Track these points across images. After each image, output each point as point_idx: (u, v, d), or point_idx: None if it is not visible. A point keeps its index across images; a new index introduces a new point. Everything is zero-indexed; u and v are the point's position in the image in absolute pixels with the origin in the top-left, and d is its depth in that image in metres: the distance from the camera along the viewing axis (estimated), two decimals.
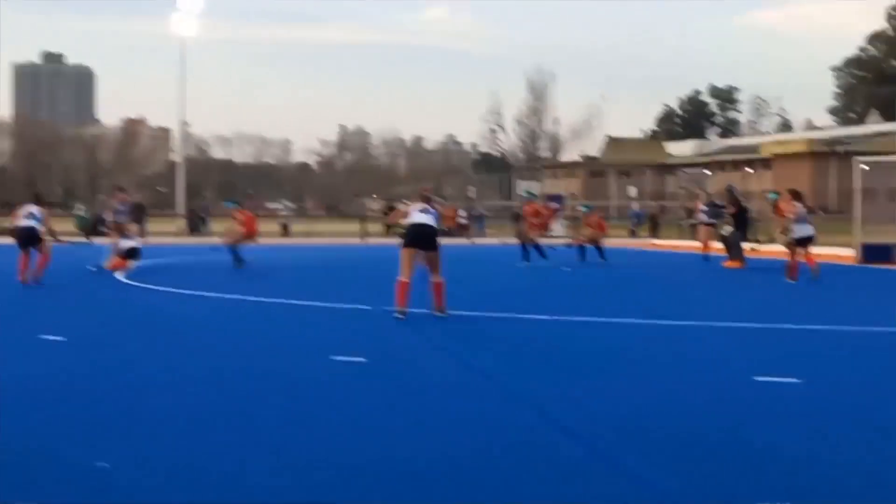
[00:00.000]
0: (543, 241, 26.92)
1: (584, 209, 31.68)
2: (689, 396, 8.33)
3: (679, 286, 20.94)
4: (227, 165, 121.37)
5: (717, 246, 27.96)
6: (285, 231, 51.48)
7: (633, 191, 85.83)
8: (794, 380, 8.89)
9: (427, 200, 14.26)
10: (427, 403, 7.98)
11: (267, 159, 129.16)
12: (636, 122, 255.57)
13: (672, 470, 5.95)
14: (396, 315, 13.42)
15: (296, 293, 17.25)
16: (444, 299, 13.78)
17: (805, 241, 20.58)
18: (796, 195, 21.45)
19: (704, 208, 29.03)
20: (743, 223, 27.21)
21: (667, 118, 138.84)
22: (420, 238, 13.88)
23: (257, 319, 14.14)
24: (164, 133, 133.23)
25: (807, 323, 13.55)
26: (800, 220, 20.61)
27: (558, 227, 51.54)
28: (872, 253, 28.20)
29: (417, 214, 14.01)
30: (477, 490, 5.55)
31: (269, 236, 47.07)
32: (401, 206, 16.62)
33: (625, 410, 7.67)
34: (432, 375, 9.30)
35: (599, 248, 27.16)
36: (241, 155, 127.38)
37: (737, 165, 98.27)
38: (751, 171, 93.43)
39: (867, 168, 31.12)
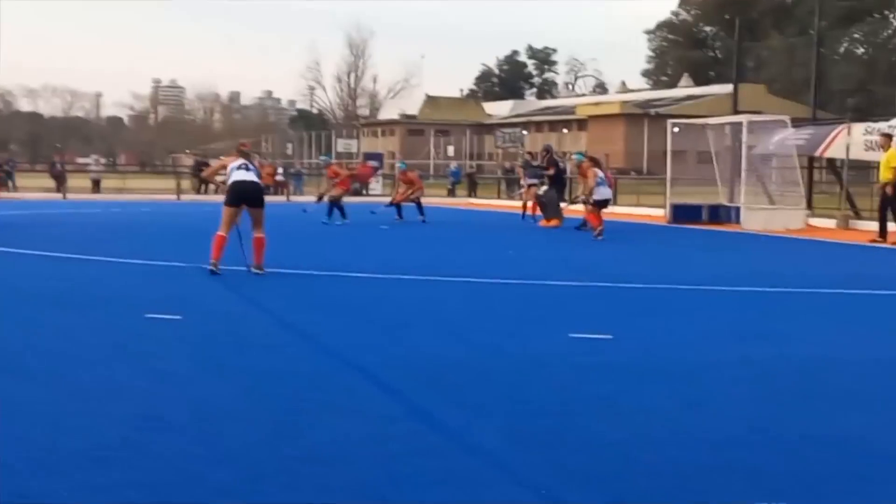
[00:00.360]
0: (353, 200, 26.99)
1: (400, 166, 31.74)
2: (505, 350, 8.47)
3: (497, 245, 21.18)
4: (34, 118, 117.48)
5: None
6: (96, 187, 50.13)
7: (450, 150, 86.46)
8: (607, 336, 9.12)
9: (246, 156, 14.02)
10: (242, 361, 7.90)
11: (77, 113, 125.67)
12: (454, 81, 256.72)
13: (487, 421, 6.05)
14: (210, 268, 13.23)
15: (109, 250, 16.85)
16: (262, 257, 13.61)
17: (602, 204, 22.18)
18: (595, 161, 23.19)
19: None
20: (560, 183, 27.85)
21: (485, 78, 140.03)
22: (245, 195, 13.65)
23: (68, 276, 13.77)
24: None
25: (620, 281, 13.87)
26: (599, 184, 22.08)
27: (377, 186, 51.64)
28: (682, 213, 29.01)
29: (238, 172, 13.72)
30: (291, 445, 5.52)
31: (79, 192, 45.94)
32: (216, 162, 16.37)
33: (442, 365, 7.76)
34: (248, 333, 9.22)
35: (419, 206, 27.26)
36: (49, 108, 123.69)
37: (553, 126, 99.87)
38: (567, 131, 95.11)
39: (678, 130, 31.96)
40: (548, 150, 28.82)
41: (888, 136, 23.49)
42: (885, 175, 22.88)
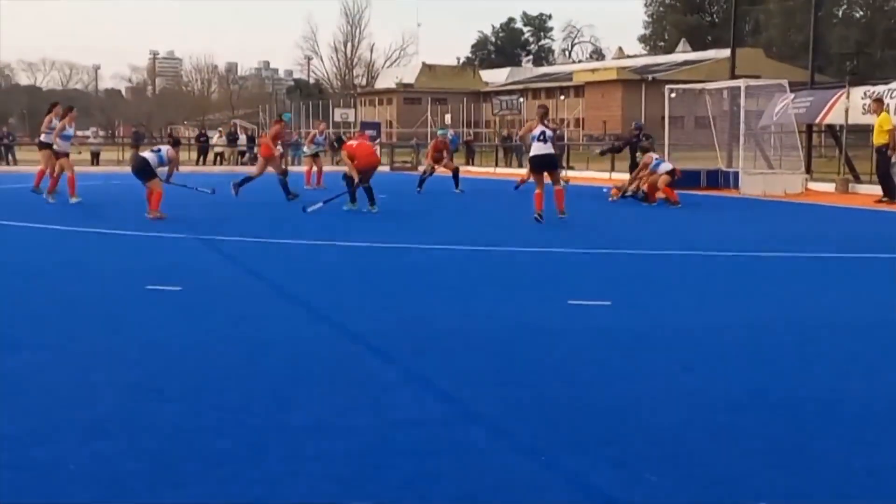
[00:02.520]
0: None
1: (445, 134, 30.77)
2: (503, 318, 8.49)
3: (494, 213, 21.16)
4: (33, 91, 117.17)
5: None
6: (96, 160, 49.98)
7: (447, 118, 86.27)
8: (605, 302, 9.14)
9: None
10: (241, 330, 7.92)
11: (75, 86, 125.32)
12: (451, 49, 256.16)
13: (485, 389, 6.08)
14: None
15: (110, 222, 16.84)
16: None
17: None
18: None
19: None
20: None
21: (481, 45, 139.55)
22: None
23: (69, 249, 13.78)
24: None
25: (619, 248, 13.88)
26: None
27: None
28: (680, 178, 28.88)
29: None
30: (291, 414, 5.55)
31: (78, 165, 45.82)
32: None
33: (441, 333, 7.79)
34: (247, 303, 9.23)
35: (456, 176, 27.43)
36: (48, 81, 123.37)
37: (550, 92, 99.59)
38: (564, 98, 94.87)
39: (675, 96, 31.88)
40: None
41: (880, 101, 23.68)
42: (879, 139, 23.03)
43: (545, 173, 18.10)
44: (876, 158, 23.98)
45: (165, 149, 17.84)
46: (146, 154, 17.80)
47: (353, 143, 20.21)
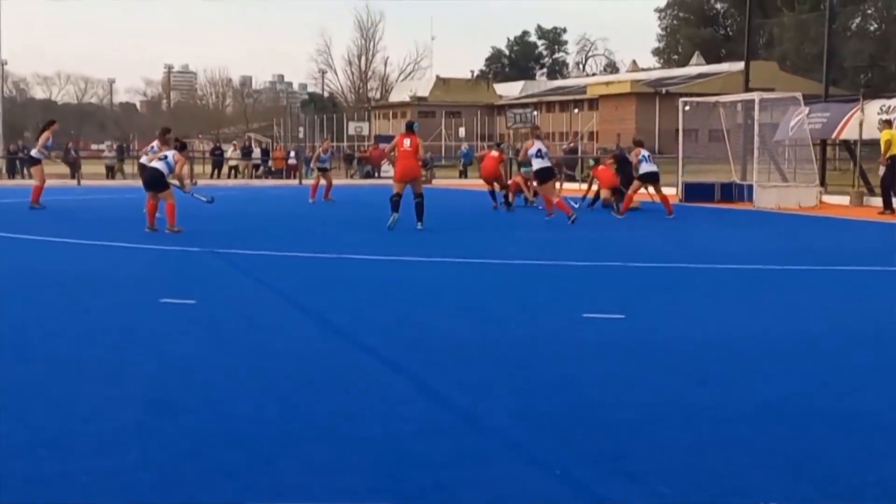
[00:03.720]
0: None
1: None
2: (517, 331, 8.50)
3: (507, 227, 21.16)
4: (48, 105, 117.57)
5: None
6: (110, 173, 50.17)
7: (461, 131, 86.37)
8: (619, 316, 9.13)
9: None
10: (253, 342, 7.93)
11: (90, 99, 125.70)
12: (465, 63, 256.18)
13: (498, 401, 6.08)
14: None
15: (124, 236, 16.86)
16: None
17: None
18: (638, 142, 23.64)
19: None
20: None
21: (495, 59, 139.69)
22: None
23: (84, 262, 13.82)
24: None
25: (633, 261, 13.86)
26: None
27: (390, 168, 51.55)
28: (694, 191, 28.94)
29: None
30: (303, 426, 5.56)
31: (93, 178, 46.02)
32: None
33: (454, 344, 7.79)
34: (260, 315, 9.24)
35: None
36: (63, 95, 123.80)
37: (564, 106, 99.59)
38: (578, 111, 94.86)
39: (689, 109, 31.87)
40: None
41: (889, 123, 24.06)
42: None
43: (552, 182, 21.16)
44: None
45: (171, 153, 17.74)
46: (156, 164, 17.60)
47: (407, 141, 19.27)
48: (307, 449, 5.17)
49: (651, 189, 22.96)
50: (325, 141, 32.41)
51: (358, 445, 5.21)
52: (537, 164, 20.95)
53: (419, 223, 18.51)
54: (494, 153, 26.62)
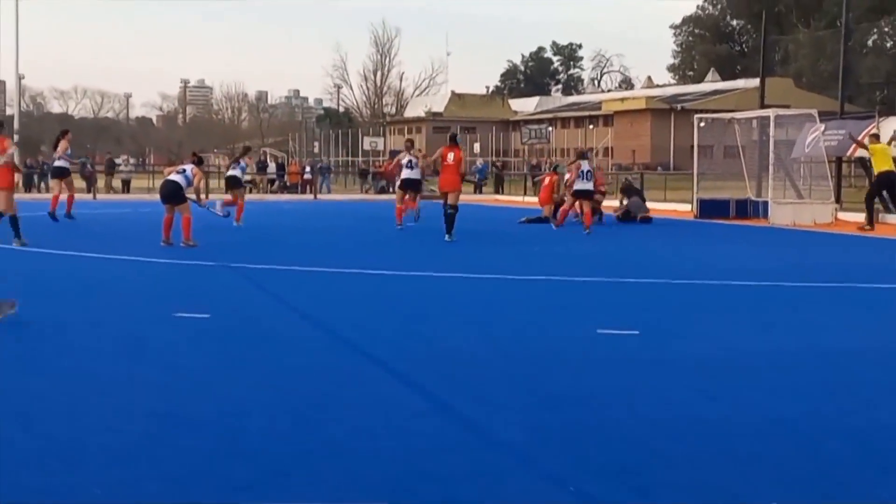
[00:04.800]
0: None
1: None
2: (529, 346, 8.49)
3: (523, 241, 21.16)
4: (65, 119, 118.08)
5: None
6: (126, 187, 50.37)
7: (476, 147, 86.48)
8: (633, 332, 9.11)
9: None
10: (265, 356, 7.94)
11: (106, 114, 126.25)
12: (480, 78, 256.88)
13: (511, 416, 6.06)
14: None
15: (140, 249, 16.91)
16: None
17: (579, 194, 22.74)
18: (581, 154, 24.21)
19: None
20: None
21: (510, 75, 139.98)
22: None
23: (99, 275, 13.85)
24: None
25: (647, 277, 13.85)
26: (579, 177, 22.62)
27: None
28: (709, 208, 28.92)
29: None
30: (315, 441, 5.55)
31: (109, 192, 46.18)
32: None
33: (466, 360, 7.78)
34: (272, 329, 9.25)
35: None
36: (80, 109, 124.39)
37: (579, 122, 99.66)
38: (593, 127, 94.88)
39: (704, 125, 31.87)
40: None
41: (876, 137, 24.45)
42: (884, 165, 23.54)
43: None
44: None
45: (190, 167, 17.80)
46: (175, 178, 17.55)
47: (451, 155, 20.07)
48: (319, 463, 5.16)
49: (583, 206, 22.86)
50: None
51: (371, 460, 5.20)
52: (578, 184, 22.33)
53: (448, 235, 18.65)
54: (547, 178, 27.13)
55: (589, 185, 22.54)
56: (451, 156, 19.67)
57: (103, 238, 19.93)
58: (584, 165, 22.69)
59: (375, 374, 7.36)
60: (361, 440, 5.56)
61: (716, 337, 9.12)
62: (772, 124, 27.90)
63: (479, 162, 65.25)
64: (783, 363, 7.85)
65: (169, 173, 18.26)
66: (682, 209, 31.68)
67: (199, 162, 18.53)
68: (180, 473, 4.98)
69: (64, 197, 24.09)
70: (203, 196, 18.98)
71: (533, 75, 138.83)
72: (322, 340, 8.89)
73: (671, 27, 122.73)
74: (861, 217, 26.88)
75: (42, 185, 47.50)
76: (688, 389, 6.90)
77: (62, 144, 24.39)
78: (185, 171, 17.63)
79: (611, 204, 28.12)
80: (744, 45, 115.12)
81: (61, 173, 24.42)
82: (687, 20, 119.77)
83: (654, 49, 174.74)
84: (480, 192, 52.51)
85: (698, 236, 21.70)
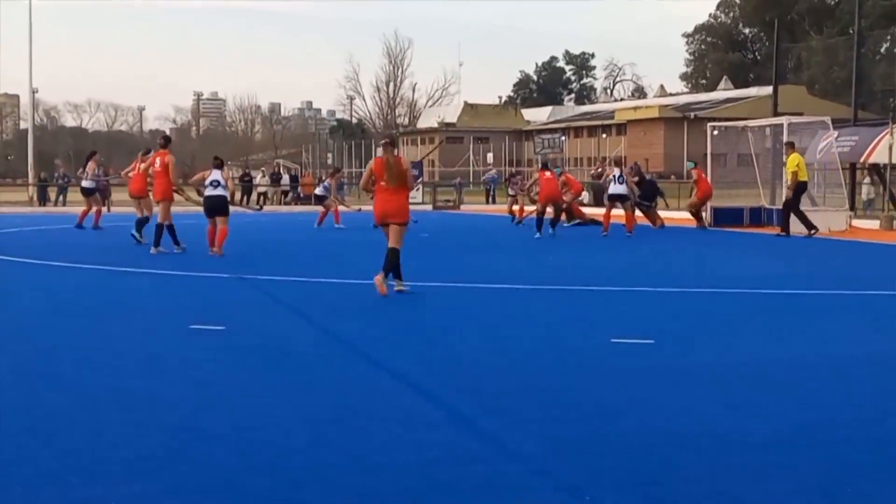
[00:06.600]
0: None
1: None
2: (545, 356, 8.49)
3: (536, 251, 21.16)
4: (79, 133, 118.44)
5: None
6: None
7: (489, 157, 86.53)
8: (648, 341, 9.11)
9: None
10: (283, 369, 7.95)
11: (120, 127, 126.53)
12: (493, 88, 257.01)
13: (527, 427, 6.07)
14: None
15: (154, 262, 16.96)
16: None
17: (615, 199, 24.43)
18: (616, 162, 26.90)
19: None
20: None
21: (523, 84, 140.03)
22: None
23: (115, 289, 13.88)
24: (12, 100, 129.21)
25: (661, 286, 13.83)
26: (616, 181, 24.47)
27: (418, 194, 51.59)
28: (723, 216, 28.89)
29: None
30: (332, 453, 5.56)
31: (123, 205, 46.22)
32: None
33: (482, 371, 7.78)
34: (289, 341, 9.26)
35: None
36: (93, 122, 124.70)
37: (592, 131, 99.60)
38: (606, 136, 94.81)
39: (717, 133, 31.85)
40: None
41: (791, 145, 24.51)
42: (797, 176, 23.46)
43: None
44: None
45: (218, 174, 18.14)
46: (219, 192, 17.93)
47: (547, 173, 24.10)
48: (336, 476, 5.17)
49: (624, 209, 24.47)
50: (336, 171, 32.09)
51: (387, 472, 5.21)
52: (613, 188, 24.15)
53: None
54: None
55: (622, 189, 24.16)
56: (547, 173, 24.48)
57: (117, 251, 19.93)
58: (617, 171, 24.57)
59: (390, 385, 7.36)
60: (377, 452, 5.56)
61: (732, 346, 9.11)
62: (785, 132, 27.87)
63: (492, 172, 65.23)
64: (800, 372, 7.84)
65: (197, 182, 19.18)
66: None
67: (219, 166, 18.69)
68: (199, 487, 4.99)
69: (92, 211, 26.37)
70: (237, 195, 19.44)
71: (545, 85, 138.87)
72: (337, 352, 8.90)
73: (683, 35, 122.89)
74: (875, 224, 26.89)
75: (59, 199, 47.53)
76: (704, 399, 6.90)
77: (90, 165, 26.56)
78: (219, 183, 17.98)
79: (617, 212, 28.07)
80: (756, 53, 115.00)
81: (90, 192, 26.56)
82: (699, 28, 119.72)
83: (666, 58, 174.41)
84: (494, 202, 52.43)
85: (712, 245, 21.66)
